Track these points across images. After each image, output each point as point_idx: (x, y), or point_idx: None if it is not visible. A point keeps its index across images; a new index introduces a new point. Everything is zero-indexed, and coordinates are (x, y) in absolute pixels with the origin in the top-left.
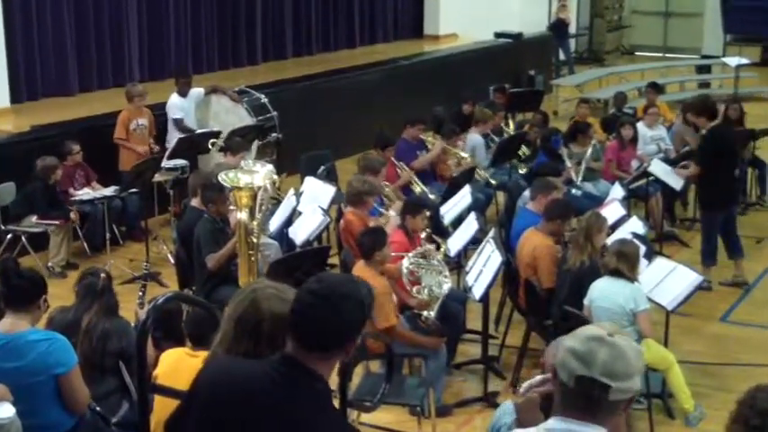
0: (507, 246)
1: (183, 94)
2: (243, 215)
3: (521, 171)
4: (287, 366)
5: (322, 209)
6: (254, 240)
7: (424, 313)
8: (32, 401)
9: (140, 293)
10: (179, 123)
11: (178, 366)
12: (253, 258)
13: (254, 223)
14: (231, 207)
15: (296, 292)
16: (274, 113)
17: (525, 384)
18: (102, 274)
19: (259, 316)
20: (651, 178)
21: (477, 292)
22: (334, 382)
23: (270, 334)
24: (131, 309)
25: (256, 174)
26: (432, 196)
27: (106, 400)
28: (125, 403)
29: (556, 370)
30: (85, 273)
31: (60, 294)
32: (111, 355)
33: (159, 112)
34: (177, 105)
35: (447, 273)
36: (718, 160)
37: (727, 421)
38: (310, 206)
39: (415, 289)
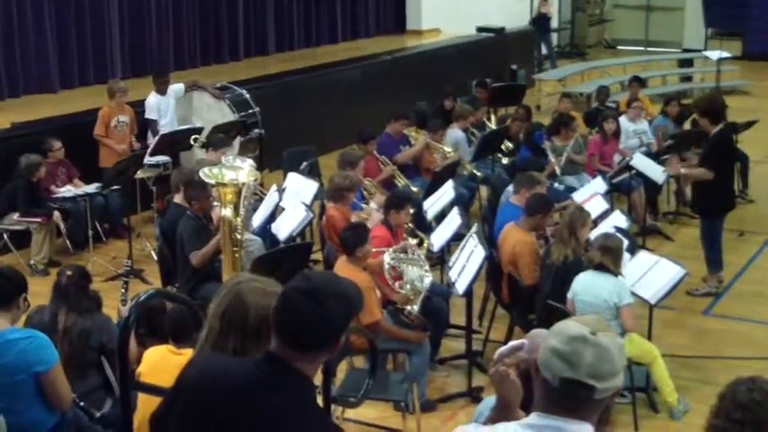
0: (491, 240)
1: (162, 92)
2: (227, 211)
3: (503, 162)
4: (271, 364)
5: (305, 204)
6: (238, 237)
7: (407, 308)
8: (13, 400)
9: (122, 290)
10: (152, 126)
11: (161, 364)
12: (237, 255)
13: (238, 220)
14: (214, 204)
15: (282, 289)
16: (257, 109)
17: (496, 354)
18: (68, 272)
19: (244, 310)
20: (633, 172)
21: (461, 286)
22: (318, 378)
23: (256, 327)
24: (115, 306)
25: (241, 170)
26: (414, 189)
27: (89, 397)
28: (108, 400)
29: (538, 366)
30: (62, 272)
31: (43, 292)
32: (93, 350)
33: (141, 108)
34: (153, 105)
35: (428, 267)
36: (724, 165)
37: (709, 415)
38: (293, 202)
39: (397, 284)
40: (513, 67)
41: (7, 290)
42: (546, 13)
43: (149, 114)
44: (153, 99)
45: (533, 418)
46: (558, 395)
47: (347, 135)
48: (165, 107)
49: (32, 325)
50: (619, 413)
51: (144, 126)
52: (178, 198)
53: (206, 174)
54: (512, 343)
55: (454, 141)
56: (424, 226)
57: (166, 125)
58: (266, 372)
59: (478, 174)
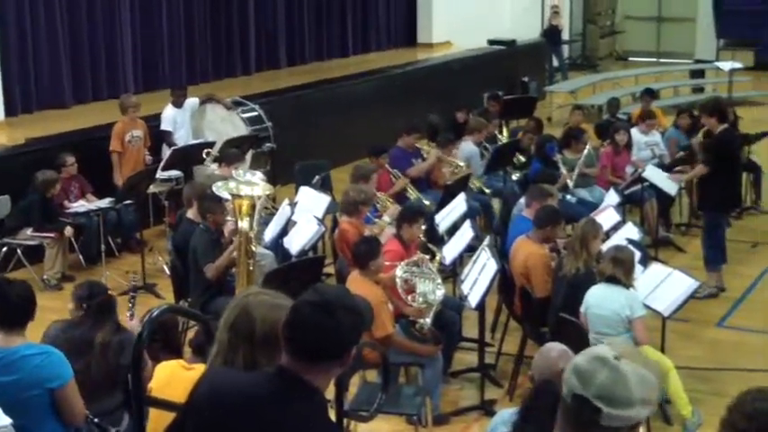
0: (503, 253)
1: (179, 105)
2: (244, 224)
3: (514, 177)
4: (282, 379)
5: (317, 218)
6: (253, 249)
7: (420, 321)
8: (28, 416)
9: (130, 305)
10: (167, 137)
11: (172, 379)
12: (251, 268)
13: (251, 233)
14: (228, 218)
15: (292, 303)
16: (269, 124)
17: None
18: (111, 292)
19: (251, 322)
20: (646, 184)
21: (473, 299)
22: (330, 392)
23: (264, 339)
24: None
25: (255, 184)
26: (426, 203)
27: (114, 414)
28: (126, 417)
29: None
30: (93, 290)
31: (56, 307)
32: (123, 368)
33: (154, 123)
34: (169, 118)
35: (440, 280)
36: (725, 162)
37: (719, 426)
38: (305, 216)
39: (409, 297)
40: (525, 79)
41: (22, 311)
42: (557, 25)
43: (165, 126)
44: (170, 111)
45: None
46: (569, 413)
47: (359, 149)
48: (181, 120)
49: (52, 342)
50: None
51: (158, 139)
52: (191, 213)
53: (220, 187)
54: None
55: (467, 155)
56: (436, 239)
57: (181, 138)
58: (277, 385)
59: (487, 190)
